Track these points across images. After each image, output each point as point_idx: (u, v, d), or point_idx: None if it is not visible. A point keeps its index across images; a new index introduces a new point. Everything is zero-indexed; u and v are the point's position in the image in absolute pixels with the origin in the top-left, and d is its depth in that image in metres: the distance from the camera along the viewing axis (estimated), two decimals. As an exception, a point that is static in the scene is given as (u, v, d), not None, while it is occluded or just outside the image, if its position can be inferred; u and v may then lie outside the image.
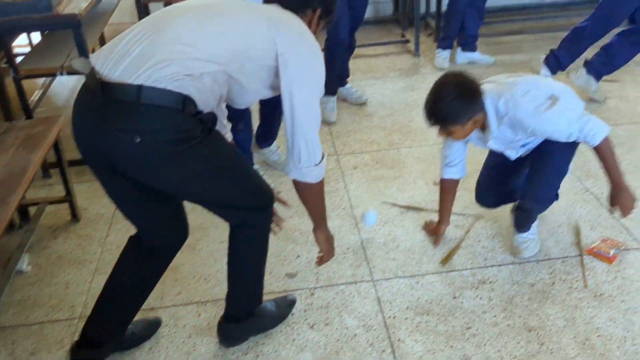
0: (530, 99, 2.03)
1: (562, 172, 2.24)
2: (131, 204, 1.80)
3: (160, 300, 2.26)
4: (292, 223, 2.64)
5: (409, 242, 2.52)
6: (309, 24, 1.77)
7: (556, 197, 2.41)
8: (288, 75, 1.63)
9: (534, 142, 2.23)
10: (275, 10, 1.70)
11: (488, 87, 2.10)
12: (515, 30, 4.80)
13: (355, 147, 3.31)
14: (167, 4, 4.40)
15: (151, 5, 4.28)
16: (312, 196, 1.86)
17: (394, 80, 4.09)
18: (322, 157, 1.76)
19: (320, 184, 1.82)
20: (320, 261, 2.07)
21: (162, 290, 2.29)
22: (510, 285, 2.25)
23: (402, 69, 4.29)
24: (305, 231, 2.60)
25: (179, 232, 1.91)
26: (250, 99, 1.80)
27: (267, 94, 1.75)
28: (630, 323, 2.04)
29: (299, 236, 2.59)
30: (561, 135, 2.04)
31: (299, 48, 1.65)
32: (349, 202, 2.80)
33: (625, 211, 2.14)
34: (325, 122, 3.45)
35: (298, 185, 1.81)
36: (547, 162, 2.21)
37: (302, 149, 1.70)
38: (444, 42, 4.25)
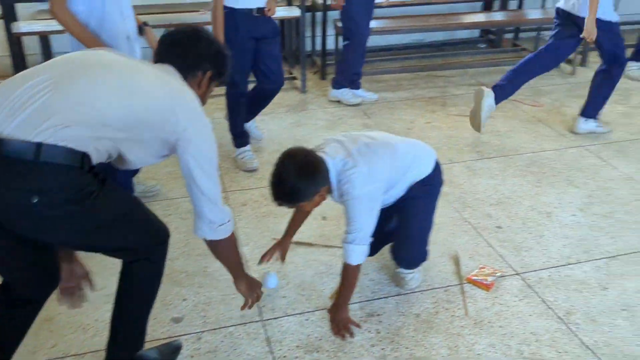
0: (362, 183, 2.03)
1: (427, 229, 2.36)
2: (3, 253, 1.66)
3: (33, 356, 2.08)
4: (177, 265, 2.55)
5: (298, 278, 2.51)
6: (198, 85, 1.79)
7: (426, 253, 2.44)
8: (190, 152, 1.67)
9: (389, 200, 2.25)
10: (168, 75, 1.71)
11: (334, 152, 2.06)
12: (396, 68, 5.04)
13: (244, 183, 3.28)
14: (42, 37, 4.22)
15: (25, 39, 4.05)
16: (228, 250, 1.92)
17: (283, 117, 4.13)
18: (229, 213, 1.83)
19: (233, 236, 1.87)
20: (244, 307, 2.13)
21: (34, 345, 2.11)
22: (397, 316, 2.29)
23: (290, 105, 4.34)
24: (191, 273, 2.52)
25: (50, 280, 1.79)
26: (139, 165, 1.80)
27: (157, 161, 1.77)
28: (508, 347, 2.14)
29: (184, 278, 2.50)
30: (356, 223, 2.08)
31: (198, 123, 1.68)
32: (239, 240, 2.75)
33: (336, 331, 2.19)
34: (249, 170, 3.39)
35: (213, 244, 1.85)
36: (411, 226, 2.31)
37: (213, 212, 1.75)
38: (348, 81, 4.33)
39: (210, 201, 1.73)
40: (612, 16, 3.52)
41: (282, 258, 2.48)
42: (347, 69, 4.26)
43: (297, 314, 2.31)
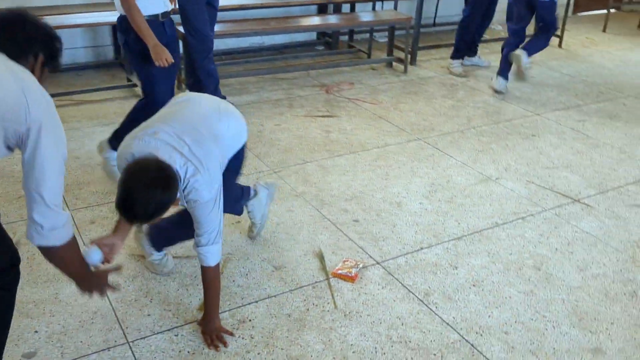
0: (208, 188, 1.97)
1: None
2: None
3: None
4: (23, 294, 2.30)
5: (162, 294, 2.39)
6: (32, 72, 1.61)
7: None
8: (42, 142, 1.52)
9: None
10: (6, 61, 1.55)
11: (170, 157, 1.91)
12: (240, 72, 5.02)
13: (90, 200, 3.05)
14: None
15: None
16: (64, 259, 1.71)
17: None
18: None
19: (71, 243, 1.67)
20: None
21: None
22: (269, 319, 2.28)
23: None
24: (40, 301, 2.29)
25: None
26: None
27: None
28: (378, 334, 2.23)
29: (33, 308, 2.26)
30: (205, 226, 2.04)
31: (50, 110, 1.55)
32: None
33: (209, 343, 2.12)
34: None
35: (45, 251, 1.65)
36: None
37: (43, 214, 1.56)
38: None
39: (43, 201, 1.55)
40: None
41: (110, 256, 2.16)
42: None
43: (165, 330, 2.19)
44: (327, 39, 6.00)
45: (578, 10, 7.62)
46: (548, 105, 4.63)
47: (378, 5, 5.90)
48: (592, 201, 3.23)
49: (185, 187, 1.94)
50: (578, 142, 3.97)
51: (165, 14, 3.03)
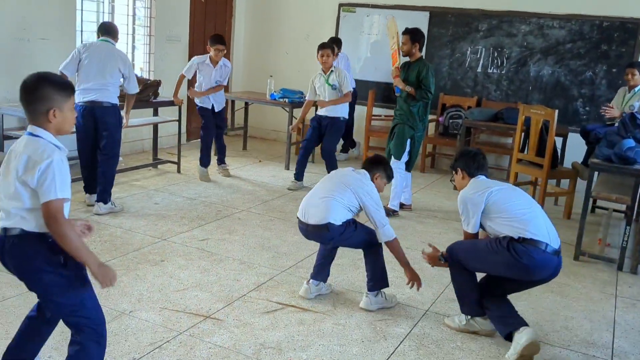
0: None
1: None
2: None
3: None
4: None
5: None
6: None
7: None
8: None
9: None
10: None
11: None
12: None
13: None
14: None
15: None
16: None
17: None
18: None
19: None
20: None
21: None
22: None
23: None
24: None
25: None
26: None
27: None
28: None
29: None
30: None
31: None
32: None
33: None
34: None
35: None
36: None
37: None
38: None
39: None
40: None
41: None
42: None
43: None
44: None
45: (191, 138, 8.40)
46: (173, 229, 4.89)
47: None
48: (222, 314, 3.47)
49: None
50: (204, 260, 4.27)
51: None
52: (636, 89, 6.21)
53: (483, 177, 3.46)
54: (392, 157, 5.71)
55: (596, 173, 5.00)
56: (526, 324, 3.23)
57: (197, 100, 6.57)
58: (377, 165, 3.76)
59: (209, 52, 6.38)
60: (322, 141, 6.49)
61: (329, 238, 3.60)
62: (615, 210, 6.22)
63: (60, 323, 2.51)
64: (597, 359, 3.32)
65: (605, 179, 5.38)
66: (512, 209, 3.24)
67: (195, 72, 6.43)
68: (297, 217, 3.72)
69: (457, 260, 3.40)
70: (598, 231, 5.66)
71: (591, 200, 5.70)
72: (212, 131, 6.59)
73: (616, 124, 5.53)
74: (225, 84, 6.67)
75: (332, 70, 6.33)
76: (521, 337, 3.14)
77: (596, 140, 5.83)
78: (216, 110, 6.61)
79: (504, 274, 3.29)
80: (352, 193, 3.55)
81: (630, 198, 4.77)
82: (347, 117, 6.54)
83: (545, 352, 3.32)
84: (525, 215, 3.22)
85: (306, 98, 6.69)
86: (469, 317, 3.46)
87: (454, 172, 3.56)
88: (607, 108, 6.27)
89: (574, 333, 3.60)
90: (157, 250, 4.40)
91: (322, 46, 6.31)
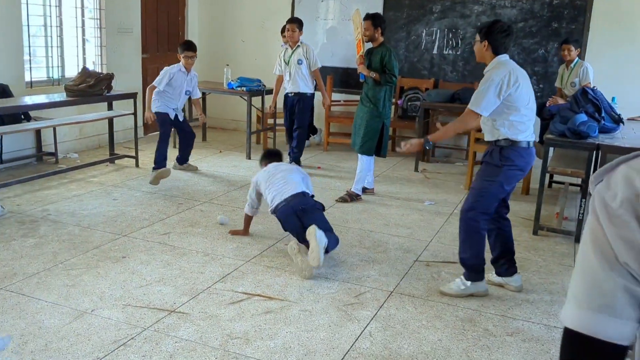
0: None
1: None
2: None
3: None
4: None
5: None
6: None
7: None
8: None
9: None
10: None
11: None
12: None
13: None
14: None
15: None
16: None
17: None
18: None
19: None
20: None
21: None
22: None
23: None
24: None
25: None
26: None
27: None
28: None
29: None
30: None
31: None
32: None
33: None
34: None
35: None
36: None
37: None
38: None
39: None
40: None
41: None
42: None
43: None
44: None
45: (148, 132, 8.25)
46: (134, 224, 4.80)
47: None
48: (187, 308, 3.44)
49: None
50: (166, 254, 4.21)
51: None
52: (572, 64, 6.38)
53: (506, 57, 3.77)
54: (362, 154, 5.71)
55: (551, 148, 5.11)
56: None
57: (154, 106, 6.08)
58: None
59: (179, 60, 6.14)
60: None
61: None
62: (571, 184, 6.37)
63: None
64: (559, 330, 3.41)
65: (561, 154, 5.51)
66: (526, 111, 3.61)
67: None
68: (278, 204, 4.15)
69: (483, 211, 3.58)
70: (556, 205, 5.80)
71: (548, 175, 5.82)
72: (168, 141, 6.20)
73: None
74: (198, 96, 6.60)
75: (298, 45, 6.52)
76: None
77: (550, 116, 5.94)
78: (180, 119, 6.34)
79: (512, 186, 3.68)
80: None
81: (584, 171, 4.89)
82: (313, 92, 6.68)
83: (508, 325, 3.39)
84: (531, 120, 3.66)
85: (275, 73, 6.82)
86: (469, 282, 3.69)
87: (477, 38, 3.75)
88: (551, 100, 6.40)
89: (535, 306, 3.69)
90: (117, 246, 4.31)
91: (288, 21, 6.56)
